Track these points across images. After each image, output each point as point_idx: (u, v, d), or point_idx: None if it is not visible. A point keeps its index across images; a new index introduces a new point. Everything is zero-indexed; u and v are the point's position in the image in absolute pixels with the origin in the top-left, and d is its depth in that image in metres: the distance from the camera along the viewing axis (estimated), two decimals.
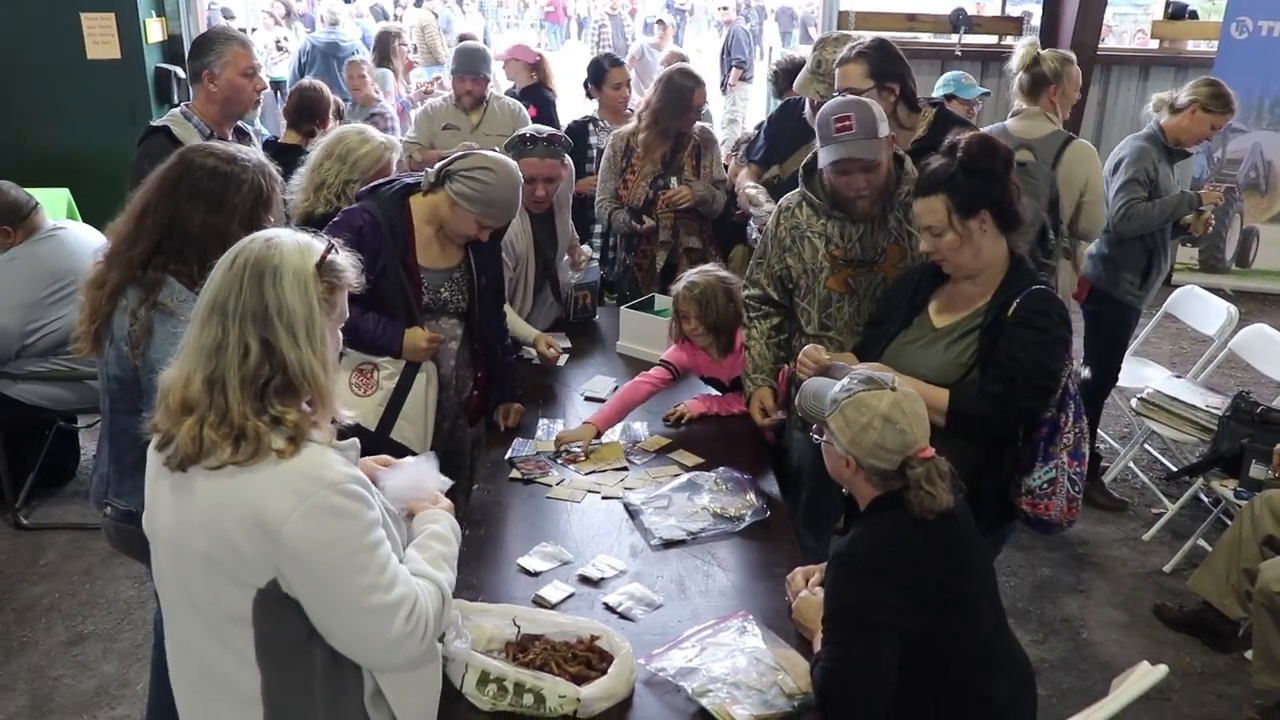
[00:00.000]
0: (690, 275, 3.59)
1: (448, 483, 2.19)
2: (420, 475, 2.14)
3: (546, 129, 3.96)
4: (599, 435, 3.32)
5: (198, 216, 2.36)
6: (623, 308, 4.19)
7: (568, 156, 4.04)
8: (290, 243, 1.80)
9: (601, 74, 5.23)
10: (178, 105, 3.93)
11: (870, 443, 2.23)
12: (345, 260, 1.88)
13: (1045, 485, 2.73)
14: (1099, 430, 5.12)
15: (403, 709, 1.94)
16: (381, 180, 3.23)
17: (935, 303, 2.86)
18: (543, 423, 3.43)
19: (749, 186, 4.34)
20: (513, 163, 3.18)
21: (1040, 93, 4.32)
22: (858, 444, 2.25)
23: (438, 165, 3.11)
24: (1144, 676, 2.29)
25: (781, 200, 3.29)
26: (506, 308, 3.71)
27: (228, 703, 1.86)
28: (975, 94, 5.56)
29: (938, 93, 5.87)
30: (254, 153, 2.52)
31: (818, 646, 2.26)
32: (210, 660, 1.85)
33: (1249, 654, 3.68)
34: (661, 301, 4.29)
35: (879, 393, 2.26)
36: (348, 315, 1.93)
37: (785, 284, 3.24)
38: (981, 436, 2.71)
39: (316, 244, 1.83)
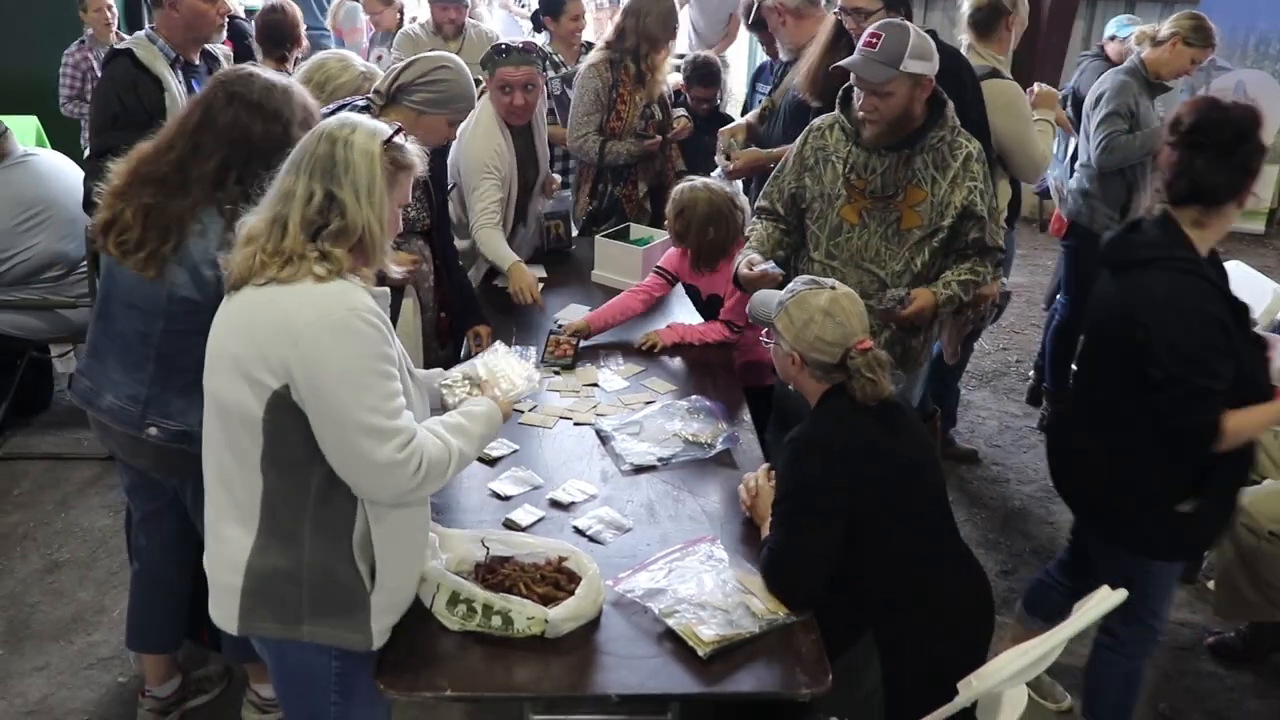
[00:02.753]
0: (693, 180, 3.67)
1: (528, 380, 2.45)
2: (513, 365, 2.44)
3: (519, 39, 3.98)
4: (589, 335, 3.46)
5: (258, 127, 2.40)
6: (598, 236, 4.18)
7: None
8: (365, 121, 2.04)
9: (559, 4, 5.01)
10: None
11: (812, 336, 2.38)
12: (412, 147, 2.10)
13: None
14: (1073, 368, 5.16)
15: (384, 563, 2.05)
16: (332, 105, 3.19)
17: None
18: (516, 349, 3.40)
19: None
20: (453, 55, 3.21)
21: (996, 24, 4.09)
22: (801, 339, 2.40)
23: (381, 83, 3.09)
24: (1103, 600, 2.33)
25: (815, 120, 3.29)
26: (489, 231, 3.79)
27: (235, 508, 2.05)
28: (1130, 31, 5.46)
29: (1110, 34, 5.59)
30: (280, 75, 2.55)
31: (765, 533, 2.39)
32: (226, 466, 2.05)
33: (1211, 584, 3.75)
34: (637, 230, 4.29)
35: (819, 291, 2.44)
36: (409, 200, 2.16)
37: (798, 203, 3.25)
38: None
39: (384, 129, 2.05)
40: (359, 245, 2.00)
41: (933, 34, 3.53)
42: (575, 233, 4.62)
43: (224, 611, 2.10)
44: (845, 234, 3.15)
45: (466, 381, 2.37)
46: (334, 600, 2.04)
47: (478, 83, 3.37)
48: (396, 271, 2.17)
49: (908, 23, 3.05)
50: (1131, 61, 4.62)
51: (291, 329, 1.90)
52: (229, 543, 2.06)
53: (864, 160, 3.11)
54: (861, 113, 3.04)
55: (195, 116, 2.43)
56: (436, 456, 2.01)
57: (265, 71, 2.49)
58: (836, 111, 3.20)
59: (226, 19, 3.70)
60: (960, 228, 3.11)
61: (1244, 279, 4.67)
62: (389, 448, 1.93)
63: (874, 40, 2.94)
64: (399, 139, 2.06)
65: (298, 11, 5.05)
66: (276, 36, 4.88)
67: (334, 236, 1.97)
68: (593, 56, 4.60)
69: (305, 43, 4.98)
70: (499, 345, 2.55)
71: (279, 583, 2.04)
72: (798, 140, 3.29)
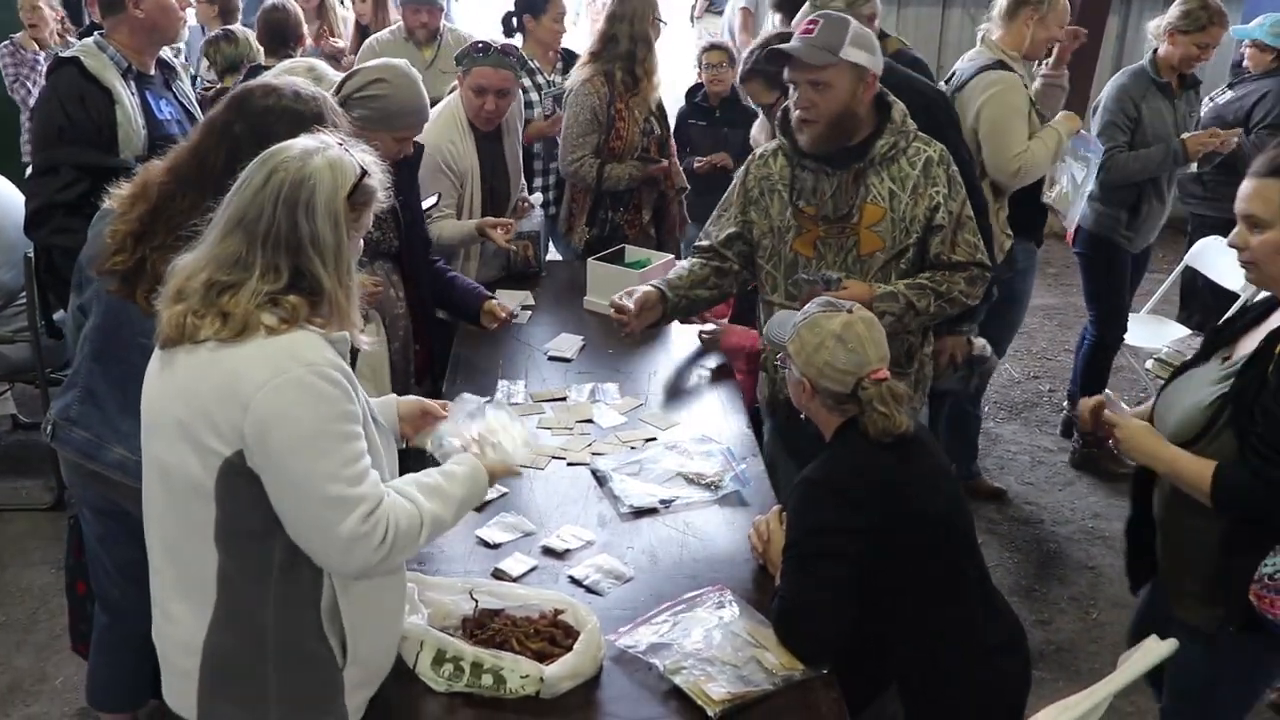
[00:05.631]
0: None
1: (525, 446, 2.40)
2: (509, 427, 2.37)
3: (499, 40, 4.09)
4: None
5: None
6: (590, 260, 4.23)
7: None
8: (323, 169, 1.93)
9: (542, 1, 5.03)
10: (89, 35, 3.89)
11: (822, 362, 2.42)
12: (375, 181, 2.04)
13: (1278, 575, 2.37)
14: (1107, 393, 5.21)
15: (355, 634, 2.04)
16: None
17: (1253, 332, 2.49)
18: (502, 384, 3.48)
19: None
20: (401, 62, 3.23)
21: (1017, 14, 4.23)
22: (811, 364, 2.44)
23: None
24: (1150, 651, 2.37)
25: (758, 148, 3.32)
26: (439, 224, 3.91)
27: (186, 584, 2.03)
28: None
29: (1256, 35, 5.37)
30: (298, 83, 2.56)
31: (778, 580, 2.43)
32: (174, 537, 2.03)
33: None
34: (632, 253, 4.34)
35: (833, 314, 2.48)
36: (370, 224, 2.09)
37: (742, 240, 3.26)
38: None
39: (349, 168, 1.96)
40: (323, 310, 1.97)
41: (920, 66, 3.65)
42: (554, 256, 4.69)
43: (180, 697, 2.09)
44: (802, 270, 3.12)
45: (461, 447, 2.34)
46: (304, 681, 2.04)
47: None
48: (365, 343, 2.12)
49: (849, 16, 3.05)
50: (1144, 61, 4.75)
51: (241, 391, 1.87)
52: (180, 623, 2.05)
53: (811, 184, 3.08)
54: (798, 111, 3.01)
55: (220, 159, 2.36)
56: (406, 525, 1.98)
57: (283, 83, 2.48)
58: (778, 135, 3.18)
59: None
60: (928, 242, 3.09)
61: (1221, 253, 4.88)
62: (351, 520, 1.90)
63: (811, 27, 2.94)
64: (365, 182, 2.00)
65: (299, 11, 5.33)
66: (279, 36, 5.18)
67: (299, 296, 1.94)
68: (584, 71, 4.67)
69: (309, 41, 5.30)
70: (494, 403, 2.52)
71: (241, 663, 2.02)
72: (740, 171, 3.30)
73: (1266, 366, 2.30)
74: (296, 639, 2.02)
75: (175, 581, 2.05)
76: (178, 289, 1.95)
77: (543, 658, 2.22)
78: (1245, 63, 5.24)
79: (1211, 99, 5.23)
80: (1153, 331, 5.26)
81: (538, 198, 4.70)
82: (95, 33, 3.67)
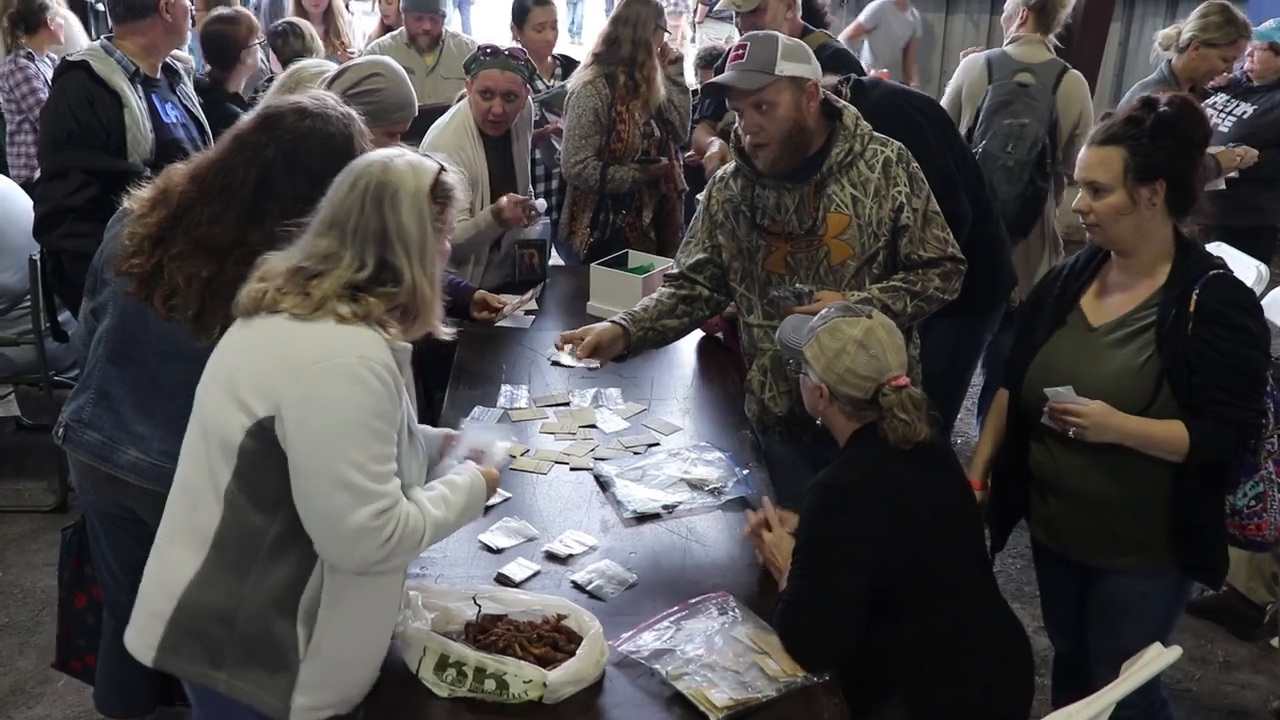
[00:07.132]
0: None
1: (503, 449, 2.48)
2: (490, 441, 2.44)
3: (505, 45, 4.10)
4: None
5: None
6: (593, 264, 4.23)
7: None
8: (405, 171, 2.08)
9: (524, 12, 5.11)
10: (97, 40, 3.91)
11: (843, 368, 2.43)
12: (453, 178, 2.18)
13: (1253, 503, 2.65)
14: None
15: (323, 634, 2.08)
16: None
17: (1090, 293, 2.74)
18: (505, 389, 3.49)
19: (711, 146, 4.53)
20: (387, 58, 3.29)
21: (1056, 20, 4.46)
22: (831, 370, 2.44)
23: None
24: (1155, 659, 2.37)
25: (719, 170, 3.29)
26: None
27: (188, 533, 2.12)
28: None
29: (1273, 37, 5.13)
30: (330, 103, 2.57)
31: (783, 585, 2.43)
32: (193, 485, 2.13)
33: (1276, 642, 3.79)
34: (635, 258, 4.35)
35: (854, 320, 2.47)
36: (455, 223, 2.25)
37: (712, 266, 3.22)
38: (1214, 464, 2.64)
39: (429, 166, 2.12)
40: (403, 308, 2.08)
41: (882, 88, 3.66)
42: (555, 261, 4.71)
43: (143, 639, 2.15)
44: (774, 288, 3.08)
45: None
46: (260, 653, 2.07)
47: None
48: (446, 333, 2.23)
49: (775, 32, 3.05)
50: (1161, 71, 4.68)
51: (296, 363, 1.98)
52: (170, 567, 2.12)
53: (773, 201, 3.04)
54: (748, 136, 2.97)
55: (250, 179, 2.39)
56: (411, 528, 2.04)
57: (314, 106, 2.47)
58: (735, 155, 3.13)
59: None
60: (897, 244, 3.04)
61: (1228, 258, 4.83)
62: (364, 511, 1.96)
63: (740, 52, 2.92)
64: (443, 177, 2.13)
65: (253, 21, 4.66)
66: (218, 54, 4.50)
67: (379, 296, 2.04)
68: (586, 73, 4.68)
69: (252, 60, 4.62)
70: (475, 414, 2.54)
71: (209, 622, 2.08)
72: (703, 197, 3.27)
73: (1185, 326, 2.52)
74: (268, 614, 2.06)
75: (181, 526, 2.13)
76: (263, 274, 2.09)
77: (545, 663, 2.22)
78: (1250, 67, 5.18)
79: (1213, 107, 5.19)
80: None
81: (542, 204, 4.70)
82: (102, 36, 3.69)
